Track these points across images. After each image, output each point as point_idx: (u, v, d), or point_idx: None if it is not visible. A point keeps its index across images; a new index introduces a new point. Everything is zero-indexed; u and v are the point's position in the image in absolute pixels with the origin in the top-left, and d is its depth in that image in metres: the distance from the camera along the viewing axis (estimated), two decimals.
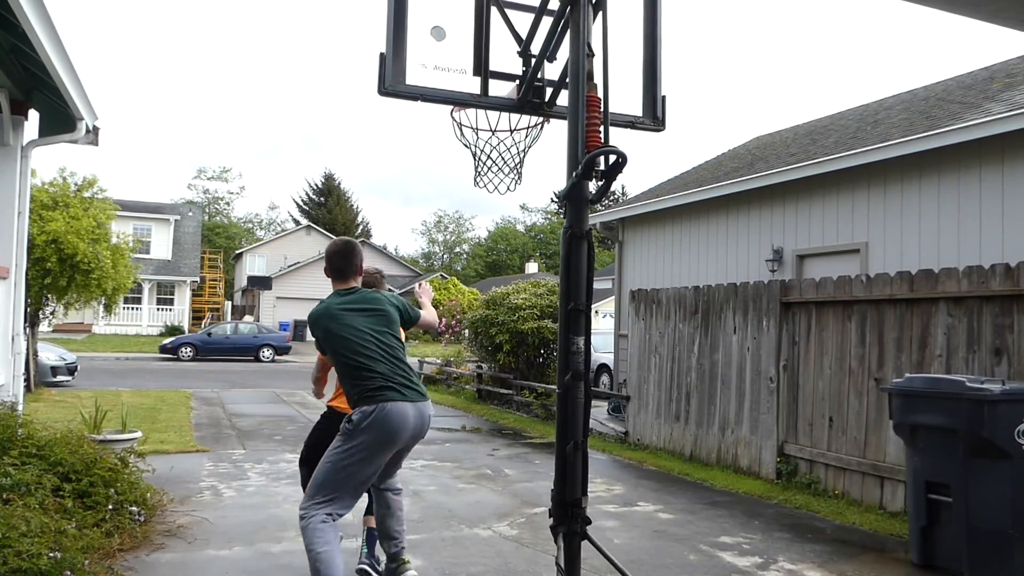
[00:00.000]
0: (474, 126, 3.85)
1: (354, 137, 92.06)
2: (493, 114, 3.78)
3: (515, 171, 3.95)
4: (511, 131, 3.84)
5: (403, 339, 3.92)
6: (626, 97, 3.62)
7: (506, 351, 13.19)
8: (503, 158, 3.90)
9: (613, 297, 13.43)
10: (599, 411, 11.53)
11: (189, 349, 25.97)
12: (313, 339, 3.78)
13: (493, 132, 3.85)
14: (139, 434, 7.00)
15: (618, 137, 3.61)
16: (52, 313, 14.45)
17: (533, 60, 3.52)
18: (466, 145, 3.91)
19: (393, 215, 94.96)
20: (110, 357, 25.13)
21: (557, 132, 3.70)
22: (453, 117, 3.86)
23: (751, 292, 7.63)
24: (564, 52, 3.41)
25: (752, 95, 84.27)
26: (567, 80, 3.33)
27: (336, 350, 3.58)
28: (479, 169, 3.91)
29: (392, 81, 3.26)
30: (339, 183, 62.51)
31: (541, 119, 3.81)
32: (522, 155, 3.92)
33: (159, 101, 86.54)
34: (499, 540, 5.05)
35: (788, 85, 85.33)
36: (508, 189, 3.97)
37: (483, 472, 7.49)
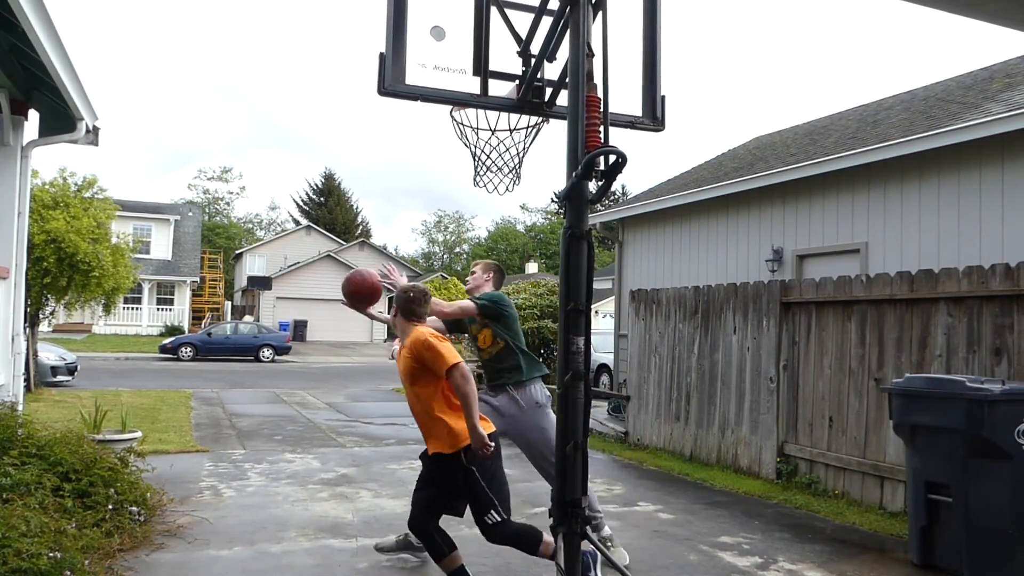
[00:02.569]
0: (474, 126, 3.85)
1: (354, 137, 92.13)
2: (493, 114, 3.78)
3: (514, 172, 3.97)
4: (511, 131, 3.84)
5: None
6: (626, 97, 3.62)
7: None
8: (503, 158, 3.90)
9: (613, 297, 13.42)
10: (599, 411, 11.52)
11: (189, 349, 25.97)
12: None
13: (493, 132, 3.85)
14: (139, 434, 7.00)
15: (618, 137, 3.60)
16: (52, 313, 14.45)
17: (533, 60, 3.52)
18: (466, 145, 3.91)
19: (393, 215, 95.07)
20: (110, 357, 25.13)
21: (557, 132, 3.70)
22: (453, 116, 3.86)
23: (751, 292, 7.63)
24: (564, 52, 3.40)
25: (752, 95, 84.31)
26: (567, 80, 3.32)
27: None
28: (479, 169, 3.91)
29: (392, 81, 3.26)
30: (339, 183, 62.59)
31: (540, 119, 3.81)
32: (521, 155, 3.93)
33: (159, 101, 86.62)
34: None
35: (788, 85, 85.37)
36: (507, 190, 3.99)
37: None
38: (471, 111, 3.78)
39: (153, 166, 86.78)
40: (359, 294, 4.40)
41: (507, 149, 3.91)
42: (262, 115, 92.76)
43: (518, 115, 3.77)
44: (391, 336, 41.36)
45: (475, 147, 3.88)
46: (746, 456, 7.51)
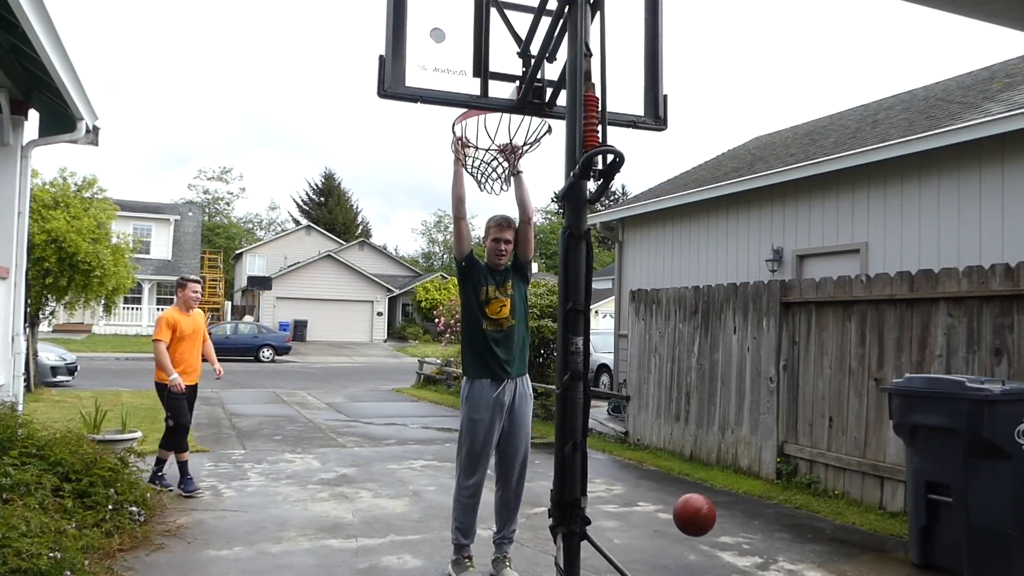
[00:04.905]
0: (475, 144, 3.93)
1: (351, 136, 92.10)
2: (491, 125, 3.85)
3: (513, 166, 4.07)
4: (511, 148, 3.92)
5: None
6: (628, 97, 3.62)
7: None
8: (503, 166, 4.00)
9: (613, 297, 13.43)
10: (599, 411, 11.53)
11: None
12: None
13: (497, 153, 3.94)
14: (139, 434, 7.00)
15: (618, 137, 3.62)
16: (52, 313, 14.45)
17: (533, 61, 3.52)
18: (468, 171, 4.01)
19: (391, 214, 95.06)
20: (110, 357, 25.14)
21: (557, 132, 3.72)
22: (454, 130, 3.93)
23: (751, 292, 7.63)
24: (563, 53, 3.41)
25: (752, 95, 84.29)
26: (567, 80, 3.34)
27: None
28: (481, 180, 3.99)
29: (392, 83, 3.26)
30: (339, 183, 62.57)
31: (540, 136, 3.88)
32: (517, 157, 4.03)
33: (159, 101, 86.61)
34: None
35: (788, 85, 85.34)
36: (502, 189, 4.08)
37: None
38: (471, 126, 3.85)
39: (149, 166, 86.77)
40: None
41: (506, 159, 4.02)
42: (257, 115, 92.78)
43: (518, 126, 3.82)
44: (389, 335, 41.37)
45: (478, 160, 3.97)
46: (746, 456, 7.51)
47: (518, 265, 4.39)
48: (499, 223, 4.32)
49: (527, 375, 4.39)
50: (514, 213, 4.40)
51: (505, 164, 4.04)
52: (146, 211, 37.57)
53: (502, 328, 4.23)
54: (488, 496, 4.46)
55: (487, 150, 3.95)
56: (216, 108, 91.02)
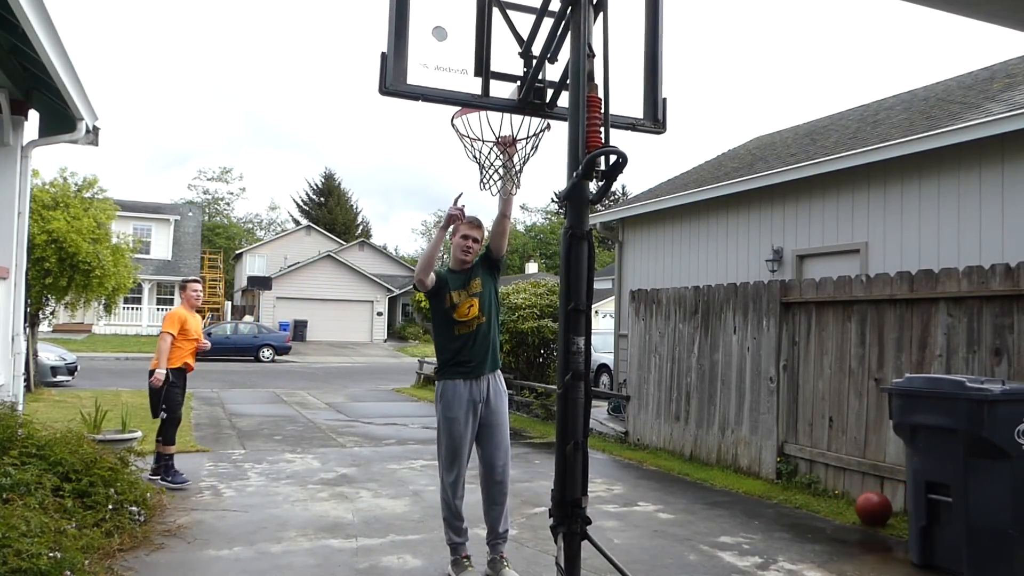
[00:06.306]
0: (475, 136, 3.86)
1: (354, 137, 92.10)
2: (495, 122, 3.78)
3: (515, 177, 4.00)
4: (513, 141, 3.85)
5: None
6: (627, 99, 3.62)
7: (506, 351, 13.19)
8: (505, 166, 3.95)
9: (613, 297, 13.42)
10: (599, 411, 11.52)
11: None
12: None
13: (495, 143, 3.86)
14: (139, 434, 7.02)
15: (619, 137, 3.61)
16: (52, 313, 14.45)
17: (534, 61, 3.52)
18: (470, 156, 3.95)
19: (390, 213, 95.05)
20: (110, 357, 25.12)
21: (557, 133, 3.71)
22: (454, 125, 3.87)
23: (751, 292, 7.63)
24: (565, 53, 3.41)
25: (752, 95, 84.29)
26: (568, 81, 3.33)
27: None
28: (484, 176, 3.94)
29: (393, 81, 3.26)
30: (339, 183, 62.56)
31: (539, 130, 3.83)
32: (522, 163, 3.95)
33: (159, 101, 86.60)
34: None
35: (788, 85, 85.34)
36: (511, 194, 4.04)
37: None
38: (473, 121, 3.79)
39: (149, 166, 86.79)
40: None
41: (510, 157, 3.94)
42: (256, 115, 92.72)
43: (519, 124, 3.77)
44: (389, 335, 41.36)
45: (479, 154, 3.91)
46: (746, 456, 7.52)
47: (491, 259, 4.49)
48: (469, 221, 4.43)
49: (499, 371, 4.47)
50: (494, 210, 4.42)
51: (505, 167, 4.00)
52: (146, 211, 37.54)
53: (472, 328, 4.34)
54: (479, 496, 4.46)
55: (491, 146, 3.89)
56: (215, 108, 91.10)
